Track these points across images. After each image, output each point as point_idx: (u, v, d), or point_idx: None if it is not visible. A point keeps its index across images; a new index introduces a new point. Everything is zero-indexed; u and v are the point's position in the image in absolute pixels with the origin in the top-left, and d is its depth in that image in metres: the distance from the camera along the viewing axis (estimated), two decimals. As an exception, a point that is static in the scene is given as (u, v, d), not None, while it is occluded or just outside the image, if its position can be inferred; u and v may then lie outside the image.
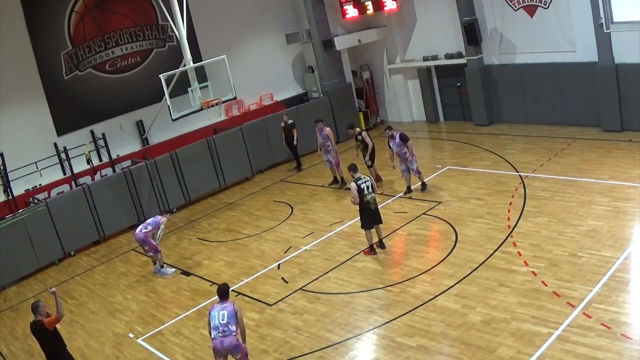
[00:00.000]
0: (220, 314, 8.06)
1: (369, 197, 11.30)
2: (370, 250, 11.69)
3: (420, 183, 14.46)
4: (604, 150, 14.73)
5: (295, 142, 18.29)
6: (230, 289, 8.70)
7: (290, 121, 18.20)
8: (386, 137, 14.35)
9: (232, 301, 8.35)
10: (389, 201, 14.37)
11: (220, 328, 7.99)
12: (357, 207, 11.53)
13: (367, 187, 11.30)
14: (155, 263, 13.09)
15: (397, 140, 13.96)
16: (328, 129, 15.88)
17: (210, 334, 8.20)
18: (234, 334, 8.00)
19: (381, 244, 11.82)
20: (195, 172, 17.11)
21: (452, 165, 16.03)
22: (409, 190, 14.45)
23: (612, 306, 8.44)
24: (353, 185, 11.27)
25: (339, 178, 16.13)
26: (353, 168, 11.68)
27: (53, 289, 8.61)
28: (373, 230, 11.70)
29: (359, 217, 11.75)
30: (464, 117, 19.88)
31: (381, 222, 11.72)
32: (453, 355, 8.23)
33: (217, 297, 8.52)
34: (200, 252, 13.88)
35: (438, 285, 10.14)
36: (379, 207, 11.65)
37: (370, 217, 11.47)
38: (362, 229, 11.72)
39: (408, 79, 21.19)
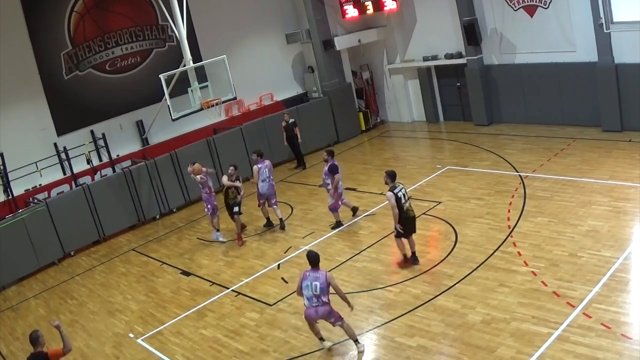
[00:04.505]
0: (313, 284, 8.42)
1: (407, 204, 10.61)
2: (405, 261, 11.00)
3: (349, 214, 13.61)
4: (604, 150, 14.73)
5: (299, 140, 18.30)
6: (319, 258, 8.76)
7: (291, 120, 18.21)
8: (324, 159, 13.11)
9: (324, 271, 8.61)
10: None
11: (314, 299, 8.43)
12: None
13: (404, 194, 10.58)
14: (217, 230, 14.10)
15: (325, 169, 12.86)
16: (257, 166, 13.67)
17: (303, 298, 8.58)
18: (327, 302, 8.47)
19: (415, 258, 10.97)
20: (195, 172, 17.10)
21: (452, 165, 16.03)
22: (354, 210, 13.59)
23: (612, 306, 8.45)
24: (390, 194, 10.44)
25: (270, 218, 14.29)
26: (390, 175, 10.66)
27: (56, 323, 8.12)
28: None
29: (395, 227, 10.68)
30: (464, 117, 19.88)
31: (415, 232, 10.96)
32: (453, 355, 8.23)
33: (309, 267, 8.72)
34: (200, 252, 13.87)
35: (438, 285, 10.14)
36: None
37: (410, 225, 10.71)
38: (396, 237, 10.87)
39: (408, 79, 21.19)
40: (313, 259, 8.61)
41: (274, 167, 19.03)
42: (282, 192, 16.76)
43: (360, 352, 8.68)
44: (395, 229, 10.69)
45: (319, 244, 12.77)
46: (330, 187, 12.86)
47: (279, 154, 18.99)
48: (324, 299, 8.42)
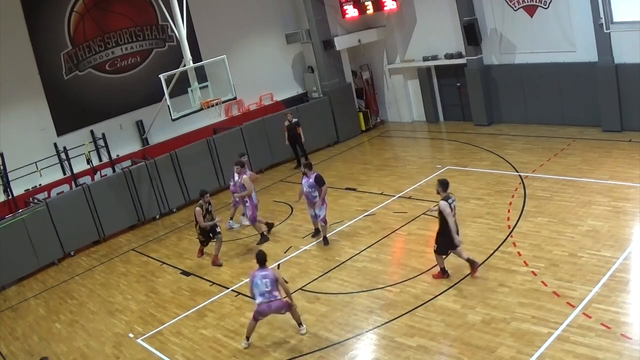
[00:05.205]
0: (263, 282, 8.99)
1: (454, 218, 10.01)
2: (443, 273, 10.37)
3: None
4: (604, 150, 14.73)
5: (303, 140, 18.27)
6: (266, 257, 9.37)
7: (294, 120, 18.18)
8: (303, 172, 12.54)
9: (271, 268, 9.26)
10: (388, 201, 14.37)
11: (267, 295, 9.01)
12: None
13: (455, 207, 10.00)
14: (231, 218, 14.54)
15: (310, 181, 12.34)
16: (245, 176, 13.21)
17: (254, 297, 9.19)
18: (279, 298, 9.07)
19: (473, 263, 10.22)
20: (195, 172, 17.10)
21: (452, 165, 16.03)
22: (317, 232, 13.08)
23: (612, 306, 8.45)
24: (444, 204, 9.80)
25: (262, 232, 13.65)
26: (443, 184, 10.01)
27: None
28: None
29: (438, 239, 10.13)
30: (464, 117, 19.88)
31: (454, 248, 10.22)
32: (453, 355, 8.24)
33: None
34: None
35: (438, 285, 10.15)
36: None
37: (451, 240, 10.00)
38: (435, 253, 10.29)
39: (408, 79, 21.19)
40: (260, 258, 9.19)
41: (274, 167, 19.14)
42: (282, 192, 16.79)
43: (302, 334, 9.47)
44: (439, 242, 10.08)
45: (319, 244, 12.78)
46: (317, 199, 12.38)
47: (279, 154, 19.00)
48: (275, 293, 9.03)
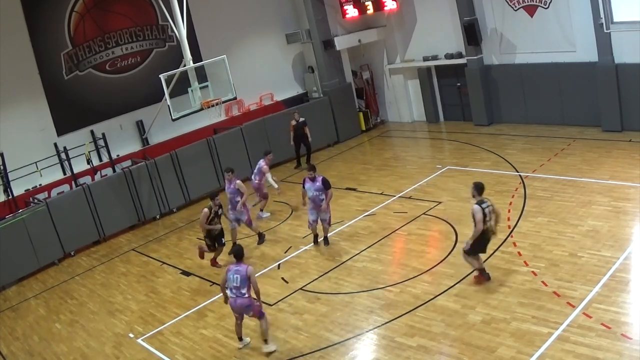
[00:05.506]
0: (234, 277, 8.90)
1: (490, 222, 9.62)
2: (482, 274, 9.94)
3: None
4: (604, 150, 14.73)
5: (310, 139, 18.24)
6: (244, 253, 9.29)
7: (301, 119, 18.12)
8: (309, 176, 12.20)
9: (247, 265, 9.01)
10: (388, 201, 14.37)
11: (234, 290, 8.92)
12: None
13: (490, 212, 9.58)
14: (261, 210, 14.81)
15: (318, 184, 12.06)
16: (239, 181, 13.08)
17: (222, 290, 9.19)
18: (246, 296, 8.90)
19: (484, 273, 10.01)
20: (195, 172, 17.11)
21: (452, 165, 16.03)
22: (316, 239, 12.82)
23: (612, 306, 8.45)
24: (477, 208, 9.46)
25: (257, 232, 13.63)
26: (478, 188, 9.68)
27: None
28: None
29: (472, 242, 9.68)
30: (464, 117, 19.88)
31: (484, 252, 10.06)
32: (453, 355, 8.24)
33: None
34: (200, 252, 13.87)
35: (438, 285, 10.15)
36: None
37: (484, 244, 9.81)
38: (467, 254, 9.87)
39: (408, 79, 21.19)
40: (237, 253, 9.12)
41: (275, 167, 19.11)
42: (282, 192, 16.72)
43: (268, 352, 9.14)
44: (468, 244, 9.75)
45: (319, 244, 12.77)
46: (324, 202, 12.15)
47: (279, 154, 18.94)
48: (243, 291, 8.88)
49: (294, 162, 19.01)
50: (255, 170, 14.79)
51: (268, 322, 9.29)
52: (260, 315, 9.12)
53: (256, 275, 11.86)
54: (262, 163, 14.62)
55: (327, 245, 12.63)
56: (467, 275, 10.19)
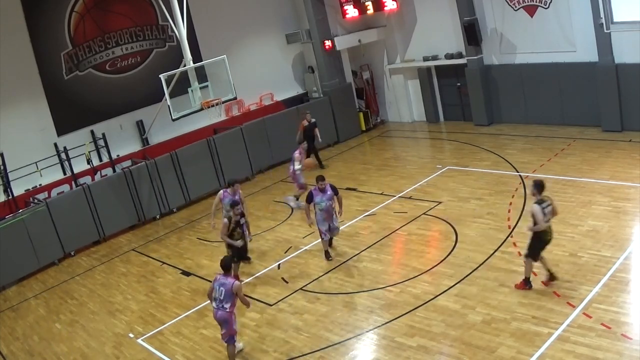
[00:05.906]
0: (220, 289, 8.70)
1: (548, 224, 9.13)
2: (526, 283, 9.41)
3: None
4: (604, 150, 14.73)
5: (320, 140, 18.01)
6: (232, 264, 9.28)
7: (313, 120, 17.88)
8: (320, 186, 11.55)
9: (233, 279, 8.78)
10: (389, 201, 14.37)
11: (217, 301, 8.76)
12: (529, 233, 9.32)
13: (549, 212, 9.05)
14: (297, 198, 14.93)
15: (328, 193, 11.53)
16: (241, 192, 12.71)
17: (209, 299, 8.99)
18: (227, 310, 8.70)
19: (552, 276, 9.40)
20: (195, 172, 17.11)
21: (452, 165, 16.03)
22: (327, 255, 12.08)
23: (612, 306, 8.45)
24: (536, 207, 8.92)
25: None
26: (538, 186, 9.10)
27: None
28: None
29: (530, 243, 9.28)
30: (464, 117, 19.88)
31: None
32: (453, 355, 8.24)
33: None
34: (201, 252, 13.87)
35: (438, 285, 10.14)
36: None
37: (543, 247, 9.25)
38: (526, 258, 9.33)
39: (408, 79, 21.19)
40: (225, 264, 8.88)
41: (275, 167, 19.13)
42: (282, 192, 16.77)
43: None
44: (527, 246, 9.31)
45: (319, 244, 12.76)
46: (338, 208, 11.77)
47: (280, 154, 18.96)
48: (226, 305, 8.66)
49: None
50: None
51: (235, 350, 8.94)
52: (229, 340, 8.82)
53: (256, 275, 11.99)
54: (296, 153, 14.96)
55: (331, 247, 12.59)
56: (467, 275, 10.19)
